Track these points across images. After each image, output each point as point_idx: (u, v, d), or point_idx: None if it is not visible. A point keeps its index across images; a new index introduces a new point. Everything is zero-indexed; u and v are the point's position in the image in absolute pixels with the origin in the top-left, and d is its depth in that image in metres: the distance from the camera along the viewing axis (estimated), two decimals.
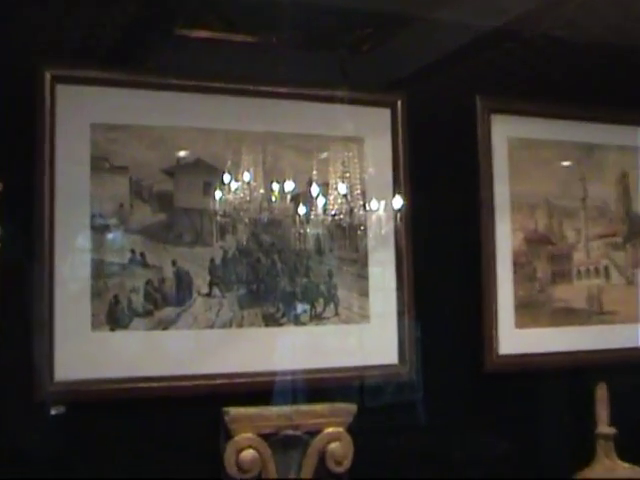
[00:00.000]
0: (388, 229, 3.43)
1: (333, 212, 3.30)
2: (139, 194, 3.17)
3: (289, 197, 3.26)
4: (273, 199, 3.24)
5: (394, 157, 3.45)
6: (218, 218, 3.26)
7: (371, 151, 3.42)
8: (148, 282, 3.16)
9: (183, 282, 3.19)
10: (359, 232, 3.39)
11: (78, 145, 3.07)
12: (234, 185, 3.22)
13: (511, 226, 3.58)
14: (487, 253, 3.51)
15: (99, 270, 3.12)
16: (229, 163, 3.24)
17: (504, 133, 3.55)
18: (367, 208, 3.38)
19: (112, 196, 3.13)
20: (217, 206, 3.25)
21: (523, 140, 3.58)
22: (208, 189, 3.25)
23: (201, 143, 3.21)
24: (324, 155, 3.35)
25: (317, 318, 3.37)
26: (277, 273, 3.32)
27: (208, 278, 3.21)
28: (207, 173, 3.26)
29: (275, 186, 3.26)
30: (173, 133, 3.20)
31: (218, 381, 3.15)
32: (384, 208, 3.41)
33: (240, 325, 3.25)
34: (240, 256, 3.27)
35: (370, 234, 3.42)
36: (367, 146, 3.43)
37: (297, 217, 3.29)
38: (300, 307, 3.36)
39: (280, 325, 3.30)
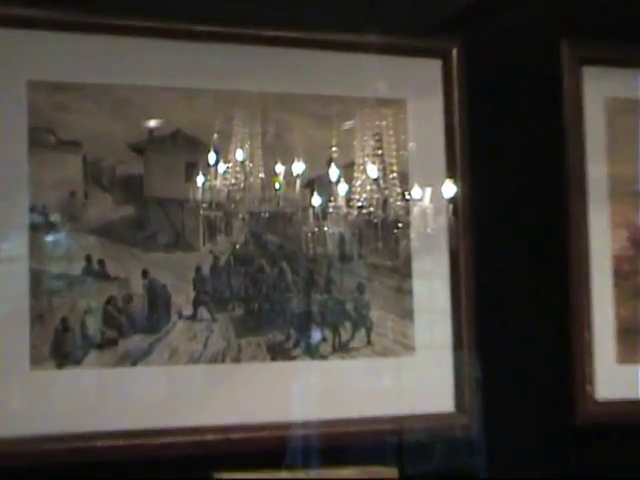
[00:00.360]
0: (438, 226, 3.27)
1: (360, 203, 3.16)
2: (97, 179, 3.02)
3: (299, 183, 3.12)
4: (277, 186, 3.11)
5: (447, 126, 3.30)
6: (206, 212, 3.12)
7: (414, 118, 3.30)
8: (110, 300, 3.00)
9: (158, 300, 3.04)
10: (397, 231, 3.26)
11: (10, 112, 2.93)
12: (226, 166, 3.09)
13: (610, 221, 3.38)
14: (577, 259, 3.33)
15: (40, 285, 2.95)
16: (219, 136, 3.10)
17: (600, 92, 3.38)
18: (408, 197, 3.24)
19: (59, 182, 2.98)
20: (204, 195, 3.09)
21: (627, 102, 3.40)
22: (191, 172, 3.10)
23: (181, 109, 3.08)
24: (348, 125, 3.22)
25: (342, 349, 3.21)
26: (287, 287, 3.18)
27: (192, 294, 3.07)
28: (189, 150, 3.11)
29: (280, 168, 3.11)
30: (142, 95, 3.06)
31: (208, 437, 3.01)
32: (432, 197, 3.26)
33: (237, 359, 3.09)
34: (236, 264, 3.13)
35: (413, 233, 3.27)
36: (409, 111, 3.29)
37: (312, 211, 3.15)
38: (319, 334, 3.20)
39: (292, 359, 3.15)
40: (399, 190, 3.21)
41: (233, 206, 3.16)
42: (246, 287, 3.14)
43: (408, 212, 3.24)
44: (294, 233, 3.20)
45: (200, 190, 3.09)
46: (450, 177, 3.28)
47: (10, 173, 3.02)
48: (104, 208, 3.02)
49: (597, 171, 3.42)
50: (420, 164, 3.30)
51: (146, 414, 2.99)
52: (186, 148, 3.11)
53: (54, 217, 2.99)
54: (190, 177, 3.10)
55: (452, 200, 3.28)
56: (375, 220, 3.26)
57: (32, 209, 2.96)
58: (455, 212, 3.28)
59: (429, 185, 3.26)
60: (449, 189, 3.26)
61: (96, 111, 3.02)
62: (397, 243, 3.35)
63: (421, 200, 3.25)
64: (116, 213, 3.03)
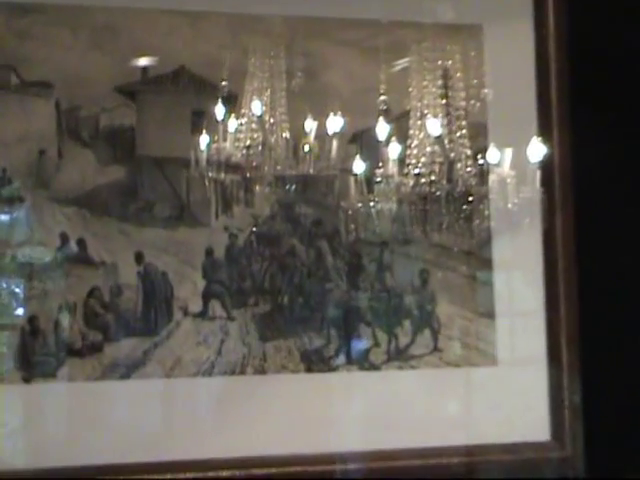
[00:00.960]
0: (526, 198, 3.10)
1: (417, 170, 3.04)
2: (74, 133, 2.99)
3: (336, 142, 2.98)
4: (305, 148, 2.95)
5: (539, 63, 3.20)
6: (218, 175, 3.01)
7: (493, 52, 3.19)
8: (92, 292, 2.95)
9: (156, 292, 2.99)
10: (470, 205, 3.12)
11: None
12: (238, 123, 2.95)
13: None
14: None
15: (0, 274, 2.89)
16: (233, 76, 2.99)
17: None
18: (483, 161, 3.10)
19: (23, 136, 2.95)
20: (216, 154, 2.97)
21: None
22: (199, 123, 3.00)
23: (185, 38, 3.04)
24: (402, 62, 3.12)
25: (400, 357, 3.13)
26: (326, 275, 3.10)
27: (202, 285, 3.02)
28: (197, 93, 3.04)
29: (310, 123, 2.95)
30: (134, 20, 3.00)
31: (222, 474, 2.93)
32: (518, 160, 3.10)
33: (261, 370, 3.03)
34: (260, 244, 3.08)
35: (493, 208, 3.14)
36: (486, 42, 3.18)
37: (354, 178, 3.04)
38: (369, 337, 3.10)
39: (332, 370, 3.07)
40: (469, 152, 3.09)
41: (257, 167, 2.98)
42: (272, 275, 3.08)
43: (484, 180, 3.10)
44: (336, 205, 3.12)
45: (212, 148, 2.98)
46: (541, 133, 3.16)
47: None
48: (84, 171, 2.98)
49: None
50: (500, 116, 3.22)
51: (139, 443, 2.94)
52: (193, 91, 3.05)
53: (17, 183, 2.93)
54: (198, 130, 3.00)
55: (545, 164, 3.13)
56: (437, 192, 3.08)
57: None
58: (550, 180, 3.16)
59: (511, 145, 3.11)
60: (539, 150, 3.10)
61: (72, 42, 2.97)
62: (472, 221, 3.20)
63: (503, 164, 3.08)
64: (100, 177, 2.99)
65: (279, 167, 2.99)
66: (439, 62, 3.10)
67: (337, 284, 3.07)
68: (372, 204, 3.08)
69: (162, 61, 3.00)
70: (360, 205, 3.07)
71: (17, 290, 2.86)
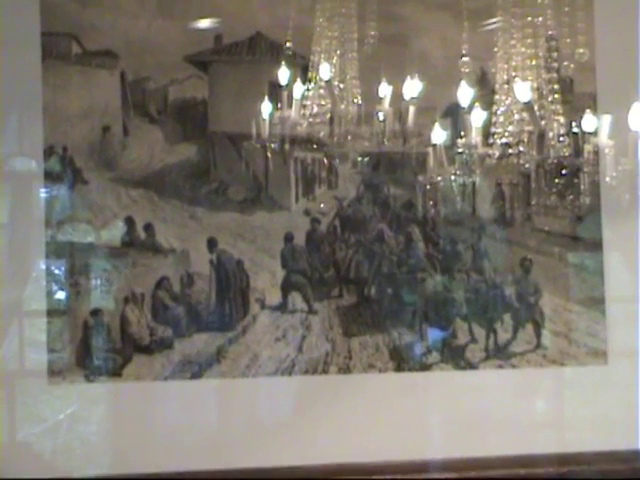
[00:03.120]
0: (630, 172, 2.93)
1: (502, 140, 2.93)
2: (141, 107, 2.97)
3: (412, 111, 2.82)
4: (382, 115, 2.80)
5: None
6: (298, 153, 3.00)
7: (603, 12, 3.10)
8: (161, 283, 2.94)
9: (231, 282, 2.97)
10: (569, 180, 3.00)
11: (16, 10, 2.86)
12: (305, 88, 2.82)
13: None
14: None
15: (59, 262, 2.89)
16: (317, 43, 2.83)
17: None
18: (587, 131, 2.94)
19: (86, 112, 2.93)
20: (298, 129, 2.85)
21: None
22: (277, 95, 2.86)
23: (261, 1, 3.00)
24: (489, 23, 3.02)
25: (500, 354, 3.08)
26: (418, 263, 3.06)
27: (281, 275, 3.01)
28: (275, 62, 2.92)
29: (387, 88, 2.81)
30: None
31: None
32: (632, 130, 2.93)
33: (346, 369, 3.01)
34: (345, 230, 3.05)
35: (603, 184, 2.98)
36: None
37: (439, 151, 2.90)
38: (465, 332, 3.05)
39: (426, 368, 3.05)
40: (564, 120, 2.93)
41: (342, 144, 2.85)
42: (358, 264, 3.04)
43: (590, 153, 2.94)
44: (427, 185, 2.97)
45: (291, 123, 2.85)
46: None
47: (16, 99, 2.88)
48: (152, 149, 2.97)
49: None
50: (605, 80, 3.14)
51: (213, 449, 2.91)
52: (270, 60, 3.01)
53: (80, 163, 2.91)
54: (276, 104, 2.88)
55: None
56: (527, 165, 2.95)
57: (48, 151, 2.90)
58: None
59: (611, 112, 2.92)
60: None
61: (138, 7, 2.95)
62: (578, 200, 3.05)
63: (614, 135, 2.89)
64: (169, 156, 2.98)
65: (362, 141, 2.85)
66: (528, 19, 2.94)
67: (430, 273, 3.02)
68: (453, 177, 2.95)
69: (236, 27, 2.97)
70: (439, 179, 2.94)
71: (80, 279, 2.83)
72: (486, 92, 2.95)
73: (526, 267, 3.07)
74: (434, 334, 3.03)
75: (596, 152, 2.97)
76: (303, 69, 2.82)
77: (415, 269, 3.03)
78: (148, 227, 2.90)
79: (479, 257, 3.07)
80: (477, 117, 2.87)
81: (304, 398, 2.97)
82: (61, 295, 2.82)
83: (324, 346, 2.96)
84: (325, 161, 3.02)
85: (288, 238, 2.97)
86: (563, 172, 2.96)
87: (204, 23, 2.95)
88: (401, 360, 3.00)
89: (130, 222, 2.90)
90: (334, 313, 2.98)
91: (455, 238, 3.05)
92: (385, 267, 3.02)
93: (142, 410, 2.87)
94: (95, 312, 2.86)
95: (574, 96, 3.14)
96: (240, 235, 2.96)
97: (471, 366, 3.02)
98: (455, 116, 2.93)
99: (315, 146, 2.86)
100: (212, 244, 2.93)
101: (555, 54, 2.94)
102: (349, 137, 2.84)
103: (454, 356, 3.02)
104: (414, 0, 3.05)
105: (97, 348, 2.86)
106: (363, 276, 3.01)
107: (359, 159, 2.95)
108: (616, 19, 3.15)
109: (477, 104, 2.88)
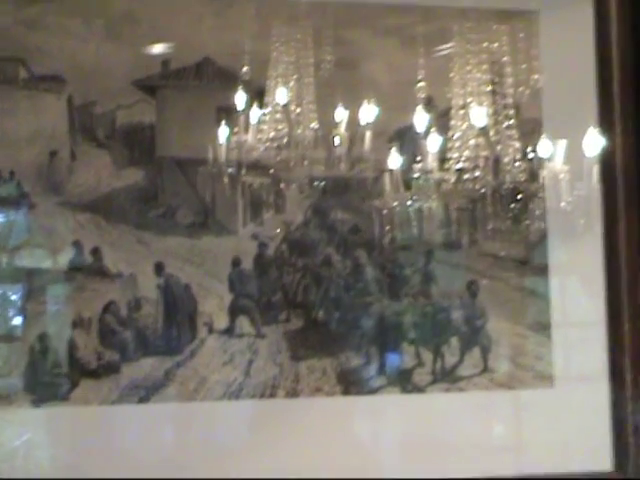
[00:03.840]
0: (588, 198, 3.01)
1: (459, 165, 2.99)
2: (89, 132, 2.99)
3: (369, 136, 2.91)
4: (337, 141, 2.89)
5: (600, 48, 3.19)
6: (246, 178, 3.01)
7: (550, 39, 3.18)
8: (109, 307, 2.95)
9: (178, 307, 2.99)
10: (522, 205, 3.08)
11: None
12: (261, 113, 2.90)
13: None
14: None
15: (3, 284, 2.89)
16: (263, 66, 2.94)
17: None
18: (535, 156, 3.02)
19: (33, 136, 2.95)
20: (244, 153, 2.92)
21: None
22: (225, 118, 2.94)
23: (209, 26, 3.03)
24: (444, 49, 3.09)
25: (447, 378, 3.11)
26: (365, 287, 3.08)
27: (229, 298, 3.02)
28: (222, 87, 3.02)
29: (341, 112, 2.89)
30: (154, 8, 3.01)
31: None
32: (576, 155, 3.00)
33: (293, 392, 3.01)
34: (292, 254, 3.08)
35: (548, 208, 3.11)
36: (542, 29, 3.18)
37: (392, 177, 2.96)
38: (412, 356, 3.08)
39: (372, 392, 3.05)
40: (517, 145, 3.03)
41: (289, 168, 2.92)
42: (306, 288, 3.07)
43: (538, 177, 3.02)
44: (375, 209, 3.10)
45: (238, 145, 2.92)
46: (601, 125, 3.10)
47: None
48: (99, 174, 2.98)
49: None
50: (554, 105, 3.18)
51: (161, 473, 2.89)
52: (218, 85, 3.04)
53: (27, 187, 2.92)
54: (223, 127, 2.93)
55: (606, 158, 3.07)
56: (483, 189, 3.00)
57: None
58: (612, 175, 3.13)
59: (565, 136, 3.01)
60: (596, 142, 3.00)
61: (86, 32, 2.96)
62: (525, 224, 3.16)
63: (556, 159, 2.99)
64: (117, 181, 2.99)
65: (317, 166, 2.94)
66: (485, 44, 3.02)
67: (377, 297, 3.05)
68: (409, 203, 3.01)
69: (184, 52, 2.99)
70: (396, 204, 3.01)
71: (27, 304, 2.83)
72: (434, 118, 2.97)
73: (473, 291, 3.09)
74: (381, 358, 3.03)
75: (553, 177, 3.00)
76: (256, 94, 2.88)
77: (363, 293, 3.04)
78: (95, 251, 2.90)
79: (427, 281, 3.08)
80: (433, 142, 2.92)
81: (252, 422, 2.97)
82: (7, 320, 2.81)
83: (272, 370, 2.97)
84: (273, 185, 3.01)
85: (236, 262, 2.98)
86: (518, 197, 3.00)
87: (152, 48, 2.97)
88: (348, 384, 3.00)
89: (78, 246, 2.89)
90: (282, 337, 2.99)
91: (403, 262, 3.07)
92: (333, 291, 3.04)
93: (89, 434, 2.86)
94: (42, 337, 2.84)
95: (521, 122, 3.11)
96: (188, 259, 2.97)
97: (418, 390, 3.04)
98: (402, 141, 3.00)
99: (263, 170, 2.90)
100: (160, 268, 2.94)
101: (510, 79, 3.01)
102: (305, 161, 2.89)
103: (401, 380, 3.03)
104: (363, 25, 3.07)
105: (44, 373, 2.84)
106: (311, 300, 3.02)
107: (315, 183, 2.98)
108: (562, 46, 3.19)
109: (434, 129, 2.92)
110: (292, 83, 2.98)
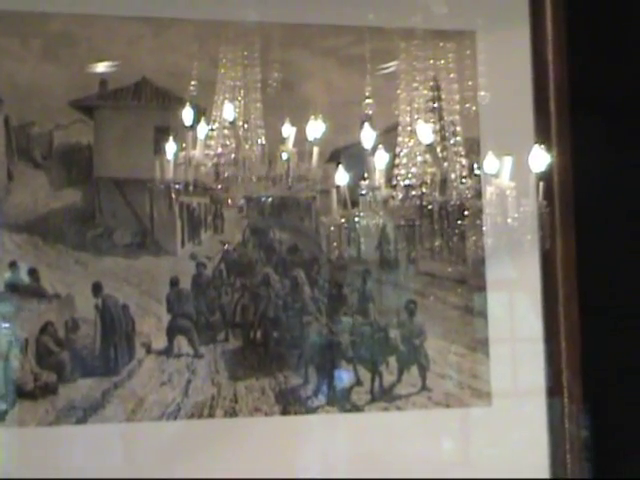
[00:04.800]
0: (524, 215, 3.05)
1: (406, 181, 3.02)
2: (25, 152, 2.99)
3: (316, 152, 2.94)
4: (285, 156, 2.92)
5: (536, 67, 3.25)
6: (185, 198, 3.05)
7: (488, 56, 3.23)
8: (46, 328, 2.94)
9: (116, 327, 2.99)
10: (463, 222, 3.11)
11: None
12: (209, 128, 2.93)
13: None
14: None
15: None
16: (201, 87, 3.02)
17: None
18: (478, 172, 3.08)
19: None
20: (182, 174, 2.95)
21: None
22: (162, 140, 2.97)
23: (147, 47, 3.05)
24: (389, 68, 3.14)
25: (385, 397, 3.12)
26: (303, 307, 3.10)
27: (167, 318, 3.03)
28: (160, 107, 3.06)
29: (288, 129, 2.93)
30: (91, 29, 3.02)
31: None
32: (514, 172, 3.05)
33: (231, 412, 3.02)
34: (230, 274, 3.09)
35: (487, 226, 3.11)
36: (480, 47, 3.23)
37: (336, 193, 2.98)
38: (350, 375, 3.10)
39: (311, 411, 3.08)
40: (464, 162, 3.07)
41: (221, 187, 2.95)
42: (244, 308, 3.07)
43: (479, 194, 3.07)
44: (314, 229, 3.14)
45: (174, 166, 2.94)
46: (541, 142, 3.10)
47: None
48: (36, 194, 2.97)
49: None
50: (497, 123, 3.22)
51: None
52: (156, 105, 3.06)
53: None
54: (161, 148, 2.96)
55: (544, 176, 3.07)
56: (429, 206, 3.03)
57: None
58: (549, 193, 3.10)
59: (510, 154, 3.05)
60: (539, 159, 3.05)
61: (23, 51, 2.96)
62: (463, 240, 3.20)
63: (498, 176, 3.05)
64: (54, 201, 2.99)
65: (254, 181, 2.95)
66: (431, 61, 3.08)
67: (315, 317, 3.06)
68: (357, 219, 3.02)
69: (122, 73, 2.99)
70: (344, 222, 3.01)
71: None
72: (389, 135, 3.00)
73: (411, 310, 3.11)
74: (320, 377, 3.04)
75: (497, 194, 3.01)
76: (197, 114, 2.88)
77: (301, 313, 3.06)
78: (32, 272, 2.89)
79: (365, 300, 3.10)
80: (379, 159, 2.93)
81: (190, 442, 2.96)
82: None
83: (210, 390, 2.97)
84: (211, 206, 3.04)
85: (173, 282, 2.99)
86: (465, 214, 3.06)
87: (90, 68, 2.97)
88: (287, 403, 3.02)
89: (14, 267, 2.88)
90: (220, 357, 3.00)
91: (341, 281, 3.08)
92: (271, 311, 3.05)
93: (26, 456, 2.85)
94: None
95: (465, 139, 3.11)
96: (126, 280, 2.97)
97: (357, 409, 3.06)
98: (342, 161, 3.04)
99: (202, 190, 2.95)
100: (97, 289, 2.93)
101: (457, 96, 3.05)
102: (254, 178, 2.91)
103: (340, 399, 3.05)
104: (300, 45, 3.09)
105: None
106: (249, 320, 3.03)
107: (262, 200, 3.01)
108: (499, 66, 3.23)
109: (379, 146, 2.94)
110: (240, 99, 2.97)
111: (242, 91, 2.98)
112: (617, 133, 3.24)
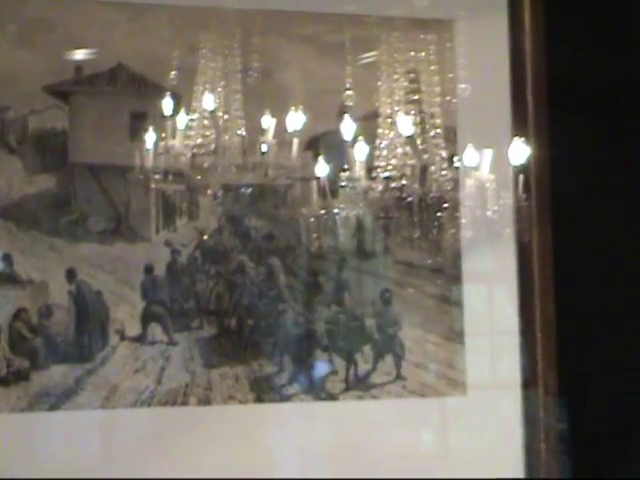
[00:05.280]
0: (501, 207, 3.11)
1: (385, 174, 3.06)
2: (0, 136, 2.97)
3: (296, 143, 2.97)
4: (264, 148, 2.95)
5: (514, 60, 3.25)
6: (160, 185, 3.04)
7: (468, 48, 3.22)
8: (19, 314, 2.94)
9: (90, 313, 2.98)
10: (442, 214, 3.18)
11: None
12: (189, 119, 2.96)
13: None
14: None
15: None
16: (179, 74, 3.01)
17: None
18: (457, 164, 3.14)
19: None
20: (157, 160, 2.98)
21: None
22: (138, 127, 3.01)
23: (124, 33, 3.04)
24: (368, 58, 3.14)
25: (360, 386, 3.13)
26: (279, 295, 3.11)
27: (141, 305, 3.03)
28: (136, 93, 3.06)
29: (268, 121, 2.96)
30: (67, 13, 3.00)
31: None
32: (493, 164, 3.11)
33: (205, 400, 3.02)
34: (205, 261, 3.09)
35: (465, 217, 3.17)
36: (458, 38, 3.23)
37: (315, 184, 3.03)
38: (325, 364, 3.11)
39: (286, 399, 3.08)
40: (444, 154, 3.10)
41: (199, 177, 2.98)
42: (219, 295, 3.07)
43: (457, 186, 3.13)
44: (290, 217, 3.14)
45: (151, 153, 2.97)
46: (519, 135, 3.17)
47: None
48: (10, 180, 2.97)
49: None
50: (475, 115, 3.23)
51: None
52: (132, 91, 3.05)
53: None
54: (137, 134, 3.00)
55: (521, 169, 3.14)
56: (409, 198, 3.08)
57: None
58: (526, 186, 3.14)
59: (488, 146, 3.12)
60: (517, 152, 3.12)
61: None
62: (441, 231, 3.20)
63: (477, 168, 3.10)
64: (28, 187, 2.98)
65: (233, 170, 2.98)
66: (411, 53, 3.11)
67: (291, 305, 3.07)
68: (336, 211, 3.07)
69: (98, 58, 2.98)
70: (323, 212, 3.06)
71: None
72: (369, 126, 3.04)
73: (386, 299, 3.12)
74: (294, 365, 3.05)
75: (478, 186, 3.07)
76: (174, 100, 2.92)
77: (276, 301, 3.06)
78: (6, 258, 2.89)
79: (340, 289, 3.11)
80: (360, 151, 2.98)
81: (164, 429, 2.96)
82: None
83: (184, 377, 2.97)
84: (186, 192, 3.03)
85: (148, 269, 2.98)
86: (444, 205, 3.12)
87: (66, 53, 2.96)
88: (261, 391, 3.02)
89: None
90: (194, 344, 3.00)
91: (317, 270, 3.09)
92: (246, 299, 3.05)
93: None
94: None
95: (445, 130, 3.17)
96: (100, 266, 2.96)
97: (331, 397, 3.06)
98: (318, 150, 3.05)
99: (178, 177, 2.96)
100: (71, 275, 2.93)
101: (438, 89, 3.10)
102: (233, 168, 2.95)
103: (314, 388, 3.06)
104: (277, 33, 3.08)
105: None
106: (224, 307, 3.03)
107: (242, 190, 3.02)
108: (477, 56, 3.23)
109: (361, 137, 2.98)
110: (220, 90, 2.99)
111: (222, 82, 2.98)
112: (595, 126, 3.24)
